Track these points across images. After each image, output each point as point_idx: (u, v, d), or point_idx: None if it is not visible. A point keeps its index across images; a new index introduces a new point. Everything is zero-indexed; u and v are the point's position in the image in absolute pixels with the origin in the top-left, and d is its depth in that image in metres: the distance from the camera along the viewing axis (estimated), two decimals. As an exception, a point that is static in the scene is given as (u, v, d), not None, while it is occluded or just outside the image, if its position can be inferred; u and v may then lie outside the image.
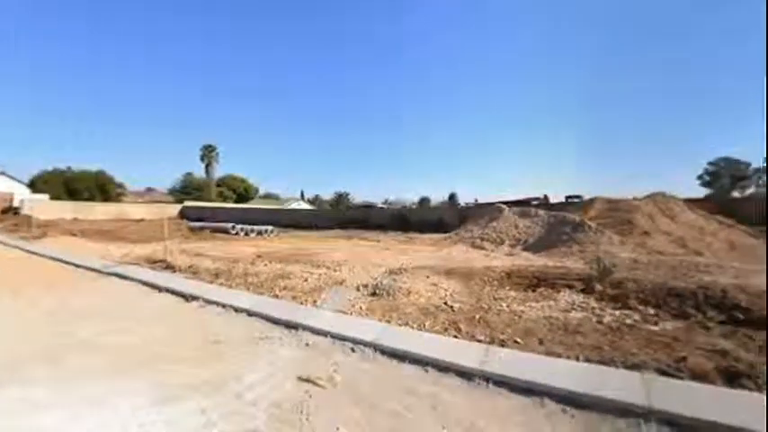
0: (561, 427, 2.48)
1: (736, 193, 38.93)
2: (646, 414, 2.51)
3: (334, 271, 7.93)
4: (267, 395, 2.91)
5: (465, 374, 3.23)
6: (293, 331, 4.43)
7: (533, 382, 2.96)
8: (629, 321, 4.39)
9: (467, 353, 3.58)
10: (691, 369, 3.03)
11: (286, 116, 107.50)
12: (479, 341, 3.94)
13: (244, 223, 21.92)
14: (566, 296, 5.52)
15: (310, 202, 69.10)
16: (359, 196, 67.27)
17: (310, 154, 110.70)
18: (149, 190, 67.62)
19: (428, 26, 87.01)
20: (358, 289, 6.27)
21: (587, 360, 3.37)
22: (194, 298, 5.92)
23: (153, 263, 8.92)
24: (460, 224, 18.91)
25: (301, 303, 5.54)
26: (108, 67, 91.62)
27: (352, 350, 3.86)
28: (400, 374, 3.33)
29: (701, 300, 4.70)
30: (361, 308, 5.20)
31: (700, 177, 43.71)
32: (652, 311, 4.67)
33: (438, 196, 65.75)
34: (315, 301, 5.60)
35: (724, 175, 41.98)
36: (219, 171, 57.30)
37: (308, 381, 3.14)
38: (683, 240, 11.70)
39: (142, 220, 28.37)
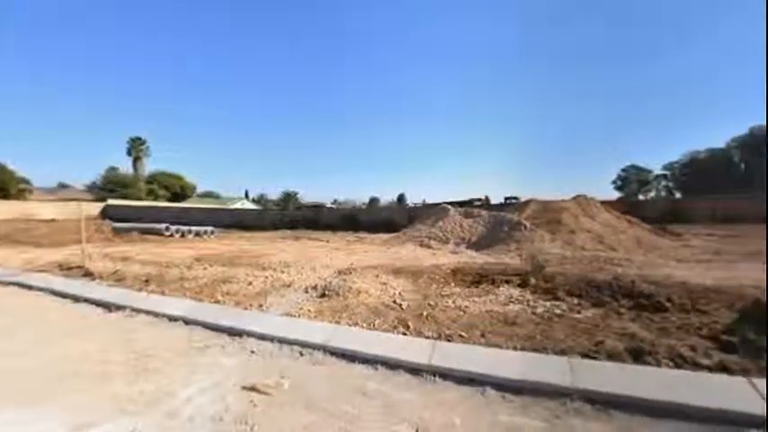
0: (500, 412, 2.66)
1: (641, 196, 44.99)
2: (571, 393, 2.80)
3: (282, 273, 7.66)
4: (207, 409, 2.72)
5: (414, 370, 3.32)
6: (237, 338, 4.19)
7: (476, 373, 3.15)
8: (558, 311, 4.85)
9: (415, 349, 3.69)
10: (606, 350, 3.45)
11: (229, 113, 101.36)
12: (427, 337, 4.08)
13: (180, 224, 20.16)
14: (505, 290, 5.93)
15: (256, 201, 65.81)
16: (308, 196, 65.73)
17: (256, 153, 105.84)
18: (62, 187, 59.15)
19: (374, 25, 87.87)
20: (307, 291, 6.13)
21: (523, 349, 3.67)
22: (119, 308, 5.33)
23: (68, 269, 7.83)
24: (409, 224, 19.38)
25: (246, 308, 5.26)
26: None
27: (301, 354, 3.76)
28: (351, 375, 3.32)
29: (615, 289, 5.35)
30: (309, 310, 5.09)
31: (613, 182, 49.89)
32: (576, 301, 5.22)
33: (387, 197, 66.83)
34: (261, 306, 5.36)
35: (632, 180, 48.32)
36: (151, 166, 52.05)
37: (252, 389, 2.99)
38: (601, 237, 13.24)
39: (53, 220, 24.74)
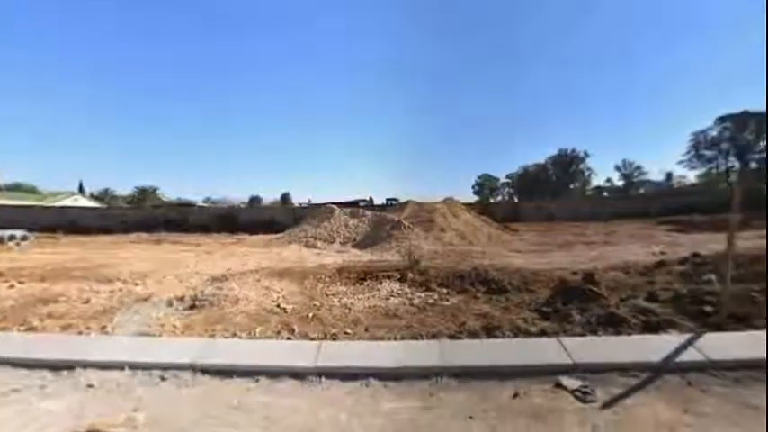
0: (382, 400, 2.83)
1: (492, 199, 54.67)
2: (441, 372, 3.19)
3: (136, 285, 6.38)
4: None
5: (299, 375, 3.22)
6: (66, 373, 3.28)
7: (360, 367, 3.26)
8: (430, 300, 5.45)
9: (300, 353, 3.58)
10: (468, 330, 4.06)
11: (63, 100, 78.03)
12: (313, 338, 4.01)
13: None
14: (387, 286, 6.33)
15: (97, 198, 52.55)
16: (172, 193, 56.17)
17: (99, 140, 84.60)
18: None
19: (258, 20, 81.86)
20: (171, 304, 5.26)
21: (403, 338, 3.99)
22: None
23: None
24: (294, 224, 18.74)
25: (81, 333, 4.18)
26: None
27: (163, 378, 3.20)
28: (227, 392, 3.00)
29: (474, 278, 6.35)
30: (175, 326, 4.39)
31: (473, 187, 59.24)
32: (445, 291, 5.97)
33: (270, 196, 62.80)
34: (104, 328, 4.34)
35: (486, 186, 58.36)
36: None
37: (91, 433, 2.39)
38: (464, 234, 15.51)
39: None
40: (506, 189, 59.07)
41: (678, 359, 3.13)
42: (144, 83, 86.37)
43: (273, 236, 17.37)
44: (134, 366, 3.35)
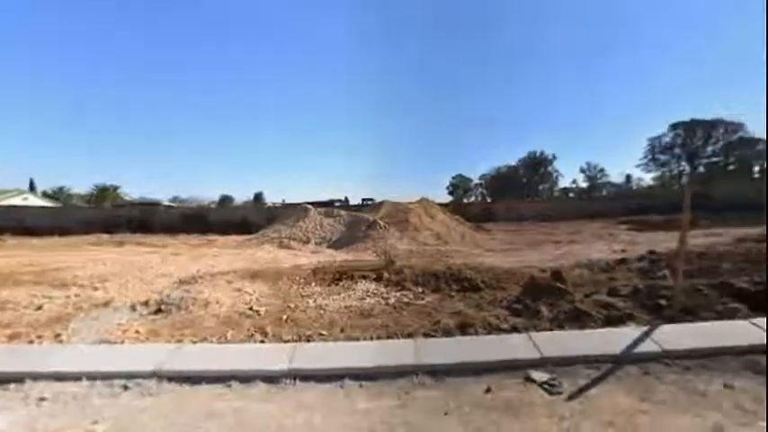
0: (357, 401, 2.82)
1: (465, 200, 55.92)
2: (417, 371, 3.22)
3: (95, 289, 6.00)
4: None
5: (272, 379, 3.14)
6: (14, 386, 3.03)
7: (335, 368, 3.23)
8: (406, 300, 5.49)
9: (274, 356, 3.50)
10: (442, 328, 4.13)
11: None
12: (287, 341, 3.94)
13: None
14: (363, 285, 6.32)
15: (51, 196, 48.78)
16: (134, 192, 53.15)
17: (58, 140, 78.29)
18: None
19: (230, 18, 78.99)
20: (134, 308, 4.99)
21: (378, 337, 3.99)
22: None
23: None
24: (268, 224, 18.30)
25: (32, 342, 3.88)
26: None
27: (125, 387, 3.02)
28: (196, 399, 2.88)
29: (448, 277, 6.46)
30: (138, 331, 4.17)
31: (447, 188, 60.26)
32: (420, 290, 6.04)
33: (243, 195, 60.83)
34: (58, 336, 4.05)
35: (460, 186, 59.56)
36: None
37: (44, 450, 2.22)
38: (439, 234, 15.76)
39: None
40: (479, 189, 60.58)
41: (636, 350, 3.33)
42: (103, 73, 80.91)
43: (246, 236, 16.89)
44: (92, 377, 3.14)
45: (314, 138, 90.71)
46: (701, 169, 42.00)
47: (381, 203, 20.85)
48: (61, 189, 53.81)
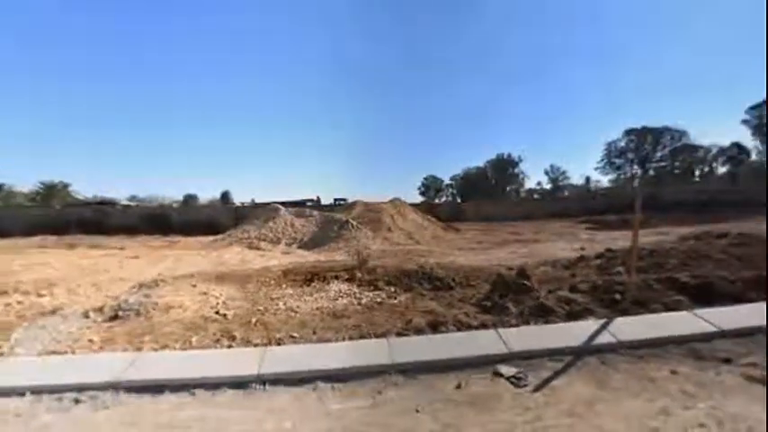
0: (330, 402, 2.79)
1: (437, 200, 56.94)
2: (389, 370, 3.24)
3: (41, 296, 5.52)
4: None
5: (240, 384, 3.04)
6: (-57, 405, 2.73)
7: (306, 371, 3.18)
8: (378, 299, 5.50)
9: (242, 361, 3.39)
10: (414, 327, 4.17)
11: None
12: (256, 345, 3.82)
13: None
14: (335, 286, 6.26)
15: (-14, 194, 44.14)
16: (87, 190, 49.31)
17: None
18: None
19: (201, 21, 75.23)
20: (87, 315, 4.65)
21: (351, 338, 3.97)
22: None
23: None
24: (236, 225, 17.68)
25: (-36, 356, 3.51)
26: None
27: (77, 401, 2.81)
28: (156, 410, 2.72)
29: (420, 276, 6.54)
30: (92, 340, 3.89)
31: (419, 188, 61.08)
32: (393, 289, 6.07)
33: (208, 195, 58.20)
34: (-3, 347, 3.69)
35: (431, 187, 60.56)
36: None
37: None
38: (411, 234, 15.94)
39: None
40: (450, 190, 61.91)
41: (595, 342, 3.54)
42: (50, 58, 74.25)
43: (212, 237, 16.22)
44: (38, 391, 2.90)
45: (285, 137, 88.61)
46: (652, 173, 45.41)
47: (354, 203, 20.77)
48: (0, 187, 48.93)
